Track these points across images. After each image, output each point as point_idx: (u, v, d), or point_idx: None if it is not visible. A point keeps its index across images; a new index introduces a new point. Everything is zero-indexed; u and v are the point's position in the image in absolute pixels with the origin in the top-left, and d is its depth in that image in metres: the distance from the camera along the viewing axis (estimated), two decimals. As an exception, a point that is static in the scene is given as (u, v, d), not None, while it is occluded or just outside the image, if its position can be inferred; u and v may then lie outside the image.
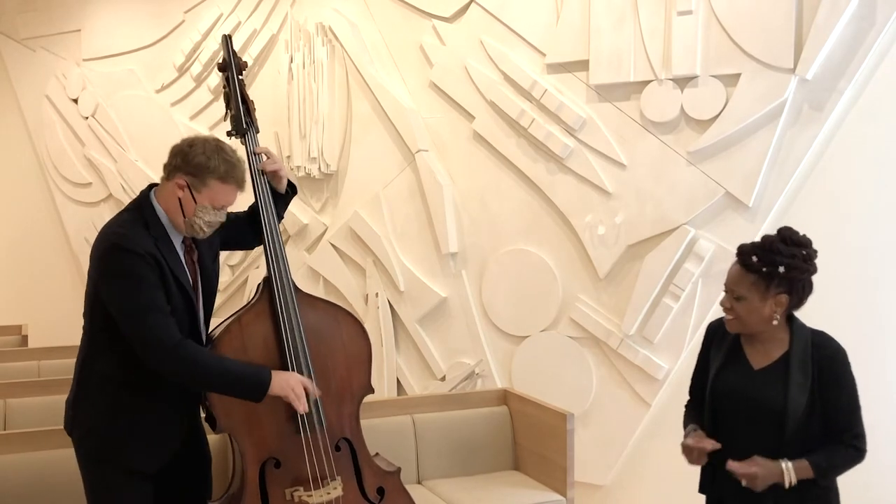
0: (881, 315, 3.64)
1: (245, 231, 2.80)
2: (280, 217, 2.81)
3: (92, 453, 2.48)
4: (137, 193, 2.59)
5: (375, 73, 5.12)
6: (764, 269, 2.23)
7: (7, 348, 5.60)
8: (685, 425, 2.55)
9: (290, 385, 2.49)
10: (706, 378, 2.44)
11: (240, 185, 2.50)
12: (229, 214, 2.69)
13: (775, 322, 2.28)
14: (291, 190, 2.86)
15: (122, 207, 2.63)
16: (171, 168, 2.48)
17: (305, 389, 2.52)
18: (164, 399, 2.50)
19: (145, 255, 2.38)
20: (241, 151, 2.63)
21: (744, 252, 2.28)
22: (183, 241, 2.55)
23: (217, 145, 2.48)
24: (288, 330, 2.60)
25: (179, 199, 2.44)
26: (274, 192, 2.77)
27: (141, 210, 2.49)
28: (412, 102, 5.00)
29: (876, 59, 3.61)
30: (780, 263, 2.22)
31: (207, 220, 2.48)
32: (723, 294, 2.36)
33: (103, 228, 2.48)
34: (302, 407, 2.51)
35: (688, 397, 2.61)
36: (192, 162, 2.43)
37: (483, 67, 4.63)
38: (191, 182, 2.44)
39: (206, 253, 2.63)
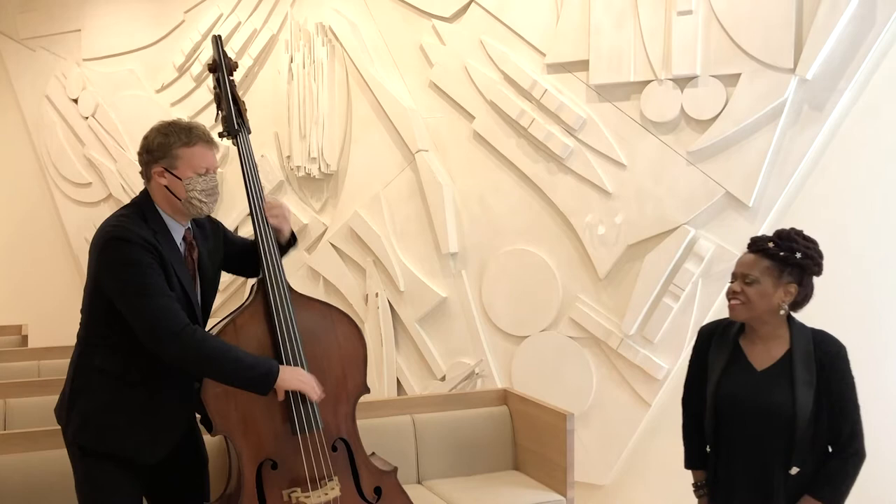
0: (881, 315, 3.63)
1: (246, 258, 2.80)
2: (281, 254, 2.79)
3: (90, 444, 2.46)
4: (137, 193, 2.60)
5: (375, 73, 5.12)
6: (781, 254, 2.28)
7: (7, 348, 5.60)
8: (688, 454, 2.52)
9: (300, 379, 2.52)
10: (702, 385, 2.42)
11: (208, 143, 2.52)
12: (231, 235, 2.76)
13: (782, 312, 2.30)
14: (293, 239, 2.86)
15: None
16: (144, 166, 2.52)
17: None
18: (162, 393, 2.49)
19: (144, 243, 2.39)
20: (233, 152, 2.63)
21: (761, 239, 2.33)
22: (184, 238, 2.55)
23: (167, 123, 2.53)
24: (283, 331, 2.59)
25: (167, 188, 2.47)
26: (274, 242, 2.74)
27: (139, 206, 2.51)
28: (412, 102, 5.00)
29: (876, 59, 3.61)
30: (797, 250, 2.28)
31: (201, 189, 2.48)
32: (727, 286, 2.37)
33: (101, 224, 2.51)
34: (316, 396, 2.55)
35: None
36: (153, 148, 2.48)
37: (483, 67, 4.63)
38: (165, 164, 2.47)
39: (206, 256, 2.62)
